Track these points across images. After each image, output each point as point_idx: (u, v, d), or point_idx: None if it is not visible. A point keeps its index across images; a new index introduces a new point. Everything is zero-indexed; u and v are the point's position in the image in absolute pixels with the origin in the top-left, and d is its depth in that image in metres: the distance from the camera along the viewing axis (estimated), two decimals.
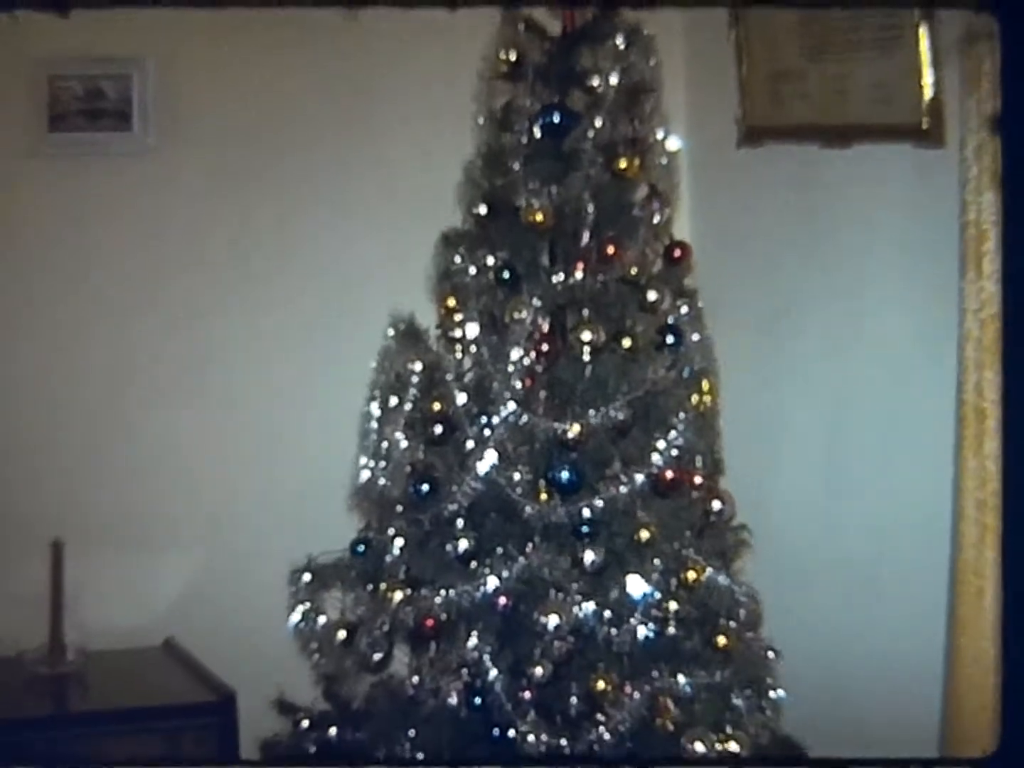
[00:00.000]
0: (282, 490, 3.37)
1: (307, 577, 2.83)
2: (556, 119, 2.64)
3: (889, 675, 2.97)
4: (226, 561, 3.36)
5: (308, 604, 2.81)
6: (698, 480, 2.69)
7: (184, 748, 2.76)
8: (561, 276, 2.67)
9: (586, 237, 2.69)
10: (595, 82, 2.65)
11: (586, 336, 2.61)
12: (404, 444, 2.73)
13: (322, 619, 2.80)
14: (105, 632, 3.16)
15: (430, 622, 2.59)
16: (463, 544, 2.58)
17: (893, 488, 2.98)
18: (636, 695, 2.52)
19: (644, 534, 2.55)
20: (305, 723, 2.86)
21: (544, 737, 2.49)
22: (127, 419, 3.32)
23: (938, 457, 2.73)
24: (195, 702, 2.87)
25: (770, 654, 2.76)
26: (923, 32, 2.77)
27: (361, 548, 2.79)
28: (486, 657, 2.54)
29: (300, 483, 3.34)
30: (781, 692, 2.71)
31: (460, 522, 2.62)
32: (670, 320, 2.71)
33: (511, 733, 2.50)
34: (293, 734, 2.87)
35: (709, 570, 2.59)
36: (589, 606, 2.52)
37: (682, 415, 2.58)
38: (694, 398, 2.65)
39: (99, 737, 2.76)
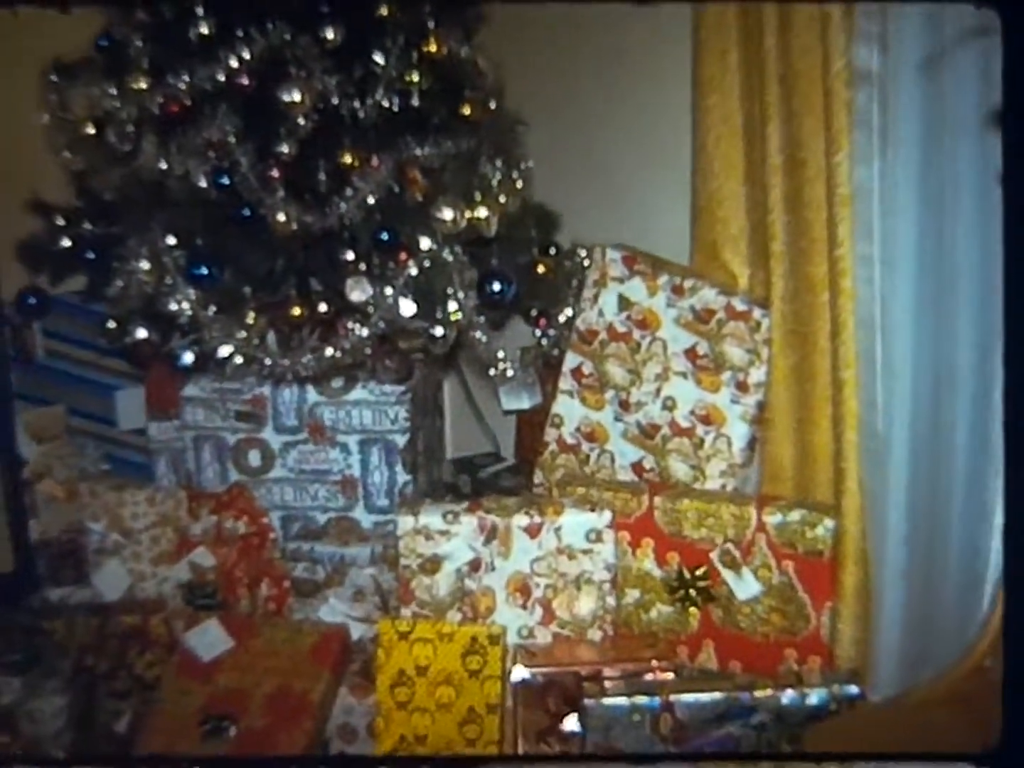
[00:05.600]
0: None
1: (54, 76, 3.14)
2: None
3: None
4: None
5: (55, 101, 3.13)
6: None
7: None
8: None
9: None
10: None
11: None
12: None
13: (70, 115, 3.11)
14: None
15: (175, 108, 2.90)
16: (204, 28, 2.88)
17: None
18: (383, 167, 2.87)
19: (383, 10, 2.90)
20: (60, 221, 3.21)
21: (293, 213, 2.84)
22: None
23: None
24: None
25: (519, 127, 3.17)
26: None
27: (105, 42, 3.08)
28: (231, 138, 2.85)
29: None
30: (530, 162, 3.12)
31: (199, 9, 2.89)
32: None
33: (261, 212, 2.86)
34: (49, 232, 3.22)
35: (451, 42, 2.97)
36: (332, 81, 2.86)
37: None
38: None
39: None
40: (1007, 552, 2.27)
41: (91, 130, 3.08)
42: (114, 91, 3.02)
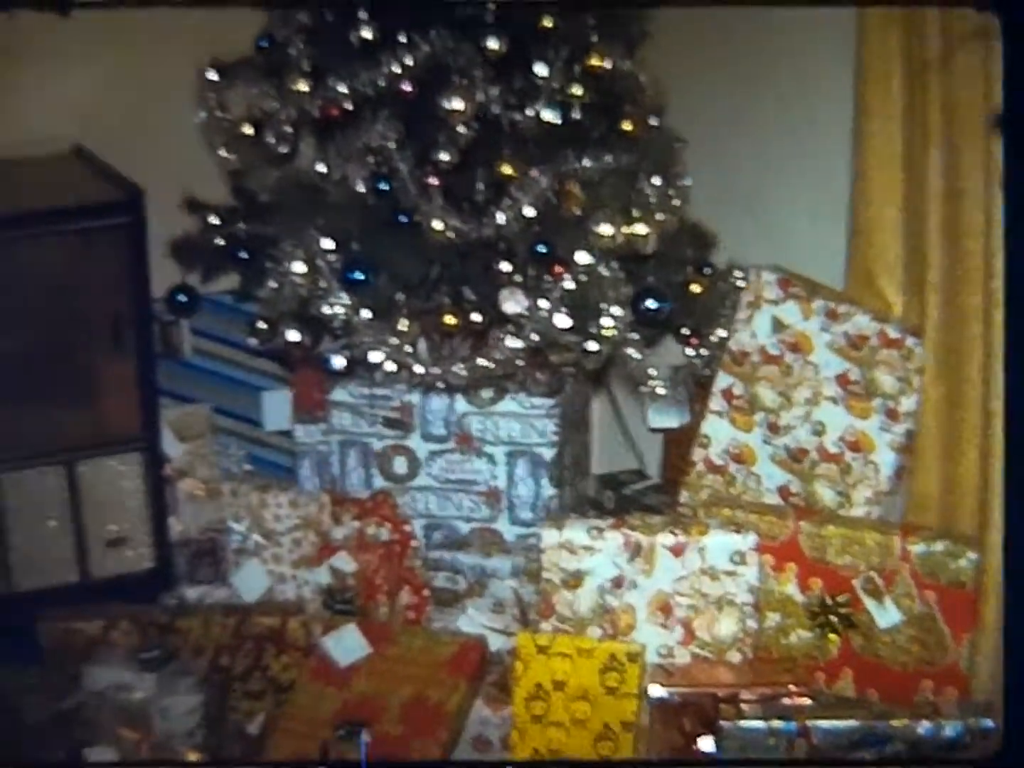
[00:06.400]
0: None
1: (213, 75, 3.22)
2: None
3: None
4: (132, 61, 3.61)
5: (214, 100, 3.22)
6: None
7: (94, 247, 3.21)
8: None
9: None
10: None
11: None
12: None
13: (228, 115, 3.21)
14: (13, 141, 3.40)
15: (335, 111, 2.98)
16: (366, 32, 2.94)
17: None
18: (542, 179, 2.93)
19: (547, 22, 2.95)
20: (214, 219, 3.30)
21: (451, 222, 2.91)
22: None
23: None
24: (105, 201, 3.24)
25: (676, 144, 3.21)
26: None
27: (265, 43, 3.17)
28: (391, 144, 2.94)
29: None
30: (688, 180, 3.16)
31: (363, 13, 2.95)
32: None
33: (417, 219, 2.92)
34: (203, 231, 3.32)
35: (613, 57, 3.01)
36: (494, 91, 2.92)
37: None
38: None
39: (13, 241, 3.12)
40: (1007, 552, 2.37)
41: (249, 130, 3.18)
42: (273, 92, 3.12)
